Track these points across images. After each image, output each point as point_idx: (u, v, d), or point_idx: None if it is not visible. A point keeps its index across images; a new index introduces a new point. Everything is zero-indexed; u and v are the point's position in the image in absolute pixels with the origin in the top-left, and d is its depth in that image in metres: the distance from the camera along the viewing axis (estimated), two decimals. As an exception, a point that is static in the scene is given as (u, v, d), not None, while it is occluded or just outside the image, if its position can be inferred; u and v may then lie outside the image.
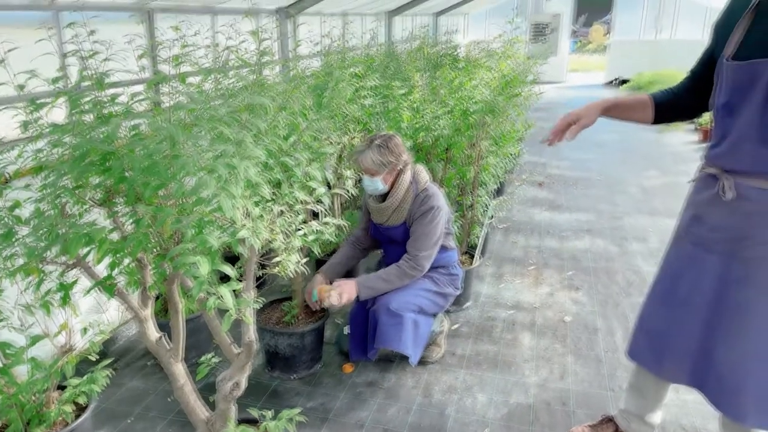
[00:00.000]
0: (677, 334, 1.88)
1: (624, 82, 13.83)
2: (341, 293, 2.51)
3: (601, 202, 5.42)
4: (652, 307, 1.99)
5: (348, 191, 2.83)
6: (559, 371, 2.84)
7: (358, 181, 3.49)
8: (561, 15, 14.09)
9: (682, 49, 12.24)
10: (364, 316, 2.72)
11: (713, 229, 1.76)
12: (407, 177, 2.66)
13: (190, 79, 2.16)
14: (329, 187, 2.68)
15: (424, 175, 2.76)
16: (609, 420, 2.32)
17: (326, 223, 1.95)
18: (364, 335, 2.78)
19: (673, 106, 1.94)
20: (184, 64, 2.08)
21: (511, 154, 4.54)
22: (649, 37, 14.11)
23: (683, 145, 7.82)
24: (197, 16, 4.03)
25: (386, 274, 2.62)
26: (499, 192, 5.08)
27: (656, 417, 2.20)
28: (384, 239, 2.85)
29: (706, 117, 2.28)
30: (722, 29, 1.70)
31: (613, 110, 1.95)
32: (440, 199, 2.68)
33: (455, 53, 5.43)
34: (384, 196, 2.70)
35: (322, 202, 1.94)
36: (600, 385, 2.73)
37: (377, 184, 2.61)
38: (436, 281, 2.75)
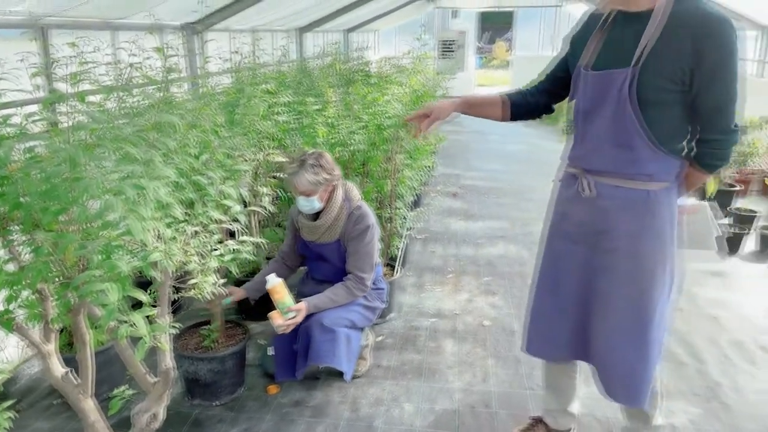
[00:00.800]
0: (562, 320, 2.04)
1: (527, 95, 14.59)
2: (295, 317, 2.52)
3: (512, 210, 5.68)
4: (537, 301, 2.13)
5: (265, 208, 2.79)
6: (482, 374, 2.93)
7: (276, 198, 3.45)
8: (466, 32, 14.70)
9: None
10: (290, 335, 2.69)
11: (578, 224, 1.93)
12: (340, 194, 2.66)
13: (91, 98, 2.05)
14: (245, 205, 2.63)
15: (356, 192, 2.77)
16: (539, 421, 2.42)
17: (243, 242, 1.91)
18: (290, 354, 2.73)
19: (525, 107, 2.11)
20: (84, 82, 1.98)
21: (426, 167, 4.66)
22: (547, 53, 15.05)
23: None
24: (96, 32, 3.84)
25: (335, 295, 2.64)
26: (416, 204, 5.19)
27: (575, 406, 2.35)
28: (313, 256, 2.82)
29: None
30: (579, 41, 1.88)
31: (466, 107, 2.11)
32: (373, 216, 2.72)
33: (367, 69, 5.51)
34: (317, 214, 2.68)
35: (238, 221, 1.90)
36: (520, 384, 2.84)
37: (314, 204, 2.59)
38: (366, 296, 2.78)
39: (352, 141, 3.28)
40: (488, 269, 4.28)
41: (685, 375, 2.93)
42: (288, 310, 2.51)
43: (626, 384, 1.94)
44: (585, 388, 2.54)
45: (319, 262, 2.81)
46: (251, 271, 3.39)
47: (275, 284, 2.53)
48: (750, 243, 4.68)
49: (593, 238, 1.89)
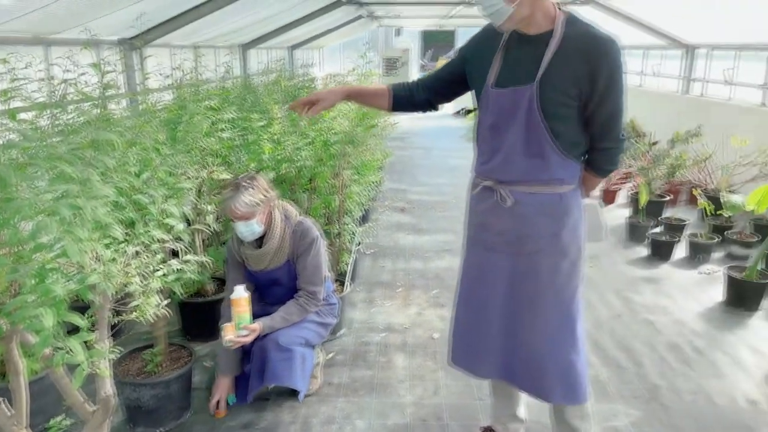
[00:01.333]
0: (485, 333, 2.10)
1: (469, 111, 14.97)
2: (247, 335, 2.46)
3: (457, 223, 5.78)
4: (460, 313, 2.19)
5: (209, 226, 2.74)
6: (433, 387, 2.95)
7: (220, 216, 3.38)
8: (410, 50, 14.98)
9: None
10: (242, 356, 2.64)
11: (499, 233, 2.01)
12: (278, 215, 2.63)
13: (23, 115, 1.96)
14: (189, 223, 2.57)
15: (292, 208, 2.75)
16: (489, 430, 2.46)
17: (187, 261, 1.87)
18: (240, 376, 2.67)
19: (408, 100, 2.21)
20: (15, 98, 1.89)
21: (374, 182, 4.69)
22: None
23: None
24: (27, 47, 3.68)
25: (288, 314, 2.60)
26: (364, 219, 5.20)
27: (522, 411, 2.40)
28: (265, 283, 2.75)
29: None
30: (475, 56, 2.00)
31: (354, 96, 2.21)
32: (316, 229, 2.71)
33: (313, 86, 5.52)
34: (259, 241, 2.63)
35: (181, 240, 1.85)
36: (470, 395, 2.87)
37: (254, 227, 2.53)
38: (318, 312, 2.75)
39: (299, 157, 3.27)
40: (436, 282, 4.33)
41: (625, 379, 3.04)
42: (243, 328, 2.46)
43: (568, 381, 2.02)
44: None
45: (272, 287, 2.76)
46: (196, 292, 3.30)
47: (241, 297, 2.48)
48: (680, 250, 4.94)
49: (516, 244, 1.99)
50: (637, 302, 4.00)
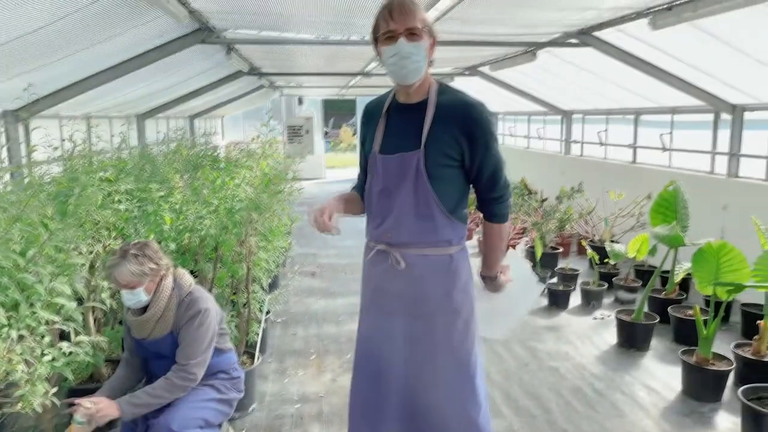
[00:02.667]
0: (384, 401, 2.08)
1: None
2: (97, 412, 2.14)
3: (368, 285, 5.80)
4: (358, 383, 2.16)
5: (104, 304, 2.56)
6: (351, 456, 2.86)
7: (118, 292, 3.18)
8: (312, 118, 15.31)
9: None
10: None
11: (396, 296, 2.04)
12: (168, 283, 2.49)
13: None
14: (81, 302, 2.39)
15: (188, 278, 2.62)
16: None
17: (79, 343, 1.73)
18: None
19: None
20: None
21: (282, 248, 4.64)
22: (390, 136, 16.12)
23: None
24: None
25: (152, 388, 2.35)
26: (273, 286, 5.10)
27: None
28: (150, 355, 2.56)
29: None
30: (368, 132, 2.11)
31: (344, 203, 2.13)
32: (208, 300, 2.54)
33: (215, 154, 5.46)
34: (144, 308, 2.49)
35: (73, 320, 1.72)
36: (389, 460, 2.81)
37: (140, 296, 2.39)
38: (218, 388, 2.57)
39: (202, 226, 3.19)
40: (350, 346, 4.28)
41: (536, 427, 3.13)
42: (80, 406, 2.11)
43: None
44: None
45: (159, 361, 2.55)
46: (89, 377, 3.04)
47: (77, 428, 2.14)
48: (575, 298, 5.27)
49: (411, 307, 2.02)
50: (542, 350, 4.18)
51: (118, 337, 3.23)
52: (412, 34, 1.81)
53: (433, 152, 1.91)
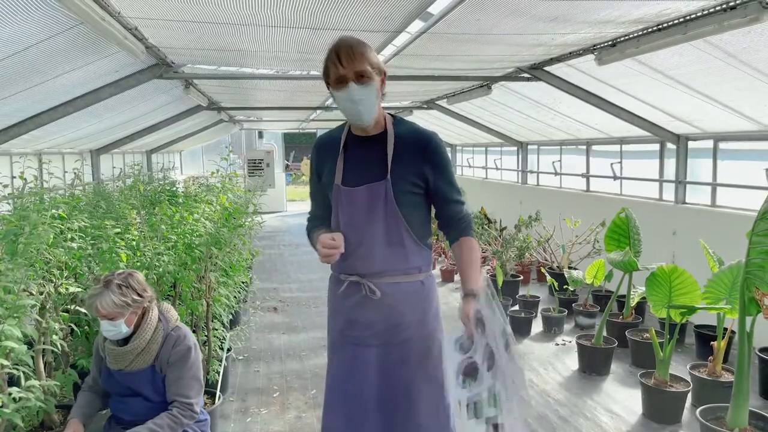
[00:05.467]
0: None
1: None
2: None
3: (332, 318, 5.74)
4: (329, 419, 2.12)
5: (56, 346, 2.46)
6: (317, 495, 2.78)
7: (70, 333, 3.06)
8: (273, 151, 15.28)
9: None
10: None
11: (368, 326, 2.04)
12: (155, 315, 2.43)
13: None
14: (31, 345, 2.29)
15: (174, 312, 2.56)
16: None
17: (30, 388, 1.65)
18: None
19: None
20: None
21: (243, 283, 4.57)
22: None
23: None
24: None
25: (158, 426, 2.29)
26: (234, 322, 4.98)
27: None
28: (120, 390, 2.44)
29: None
30: (322, 165, 2.10)
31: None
32: (193, 337, 2.52)
33: (173, 189, 5.38)
34: (126, 338, 2.41)
35: (23, 364, 1.65)
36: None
37: (121, 328, 2.31)
38: (185, 430, 2.50)
39: (160, 262, 3.11)
40: (315, 381, 4.21)
41: (504, 456, 3.12)
42: None
43: None
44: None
45: (127, 399, 2.45)
46: (40, 423, 2.88)
47: None
48: (537, 325, 5.34)
49: (385, 335, 2.03)
50: (506, 379, 4.20)
51: (70, 382, 3.09)
52: (361, 77, 1.86)
53: (399, 181, 1.96)
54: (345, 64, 1.85)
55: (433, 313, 2.08)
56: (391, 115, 2.07)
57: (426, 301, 2.07)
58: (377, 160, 1.99)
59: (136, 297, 2.33)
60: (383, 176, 1.97)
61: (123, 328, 2.33)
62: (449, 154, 2.20)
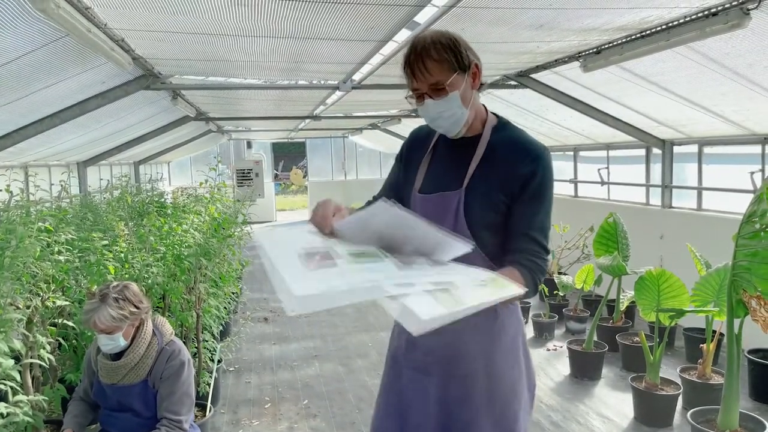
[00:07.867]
0: None
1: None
2: None
3: (323, 327, 5.73)
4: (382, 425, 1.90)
5: (44, 361, 2.43)
6: (310, 507, 2.76)
7: (58, 347, 3.03)
8: (262, 161, 15.25)
9: (364, 186, 14.48)
10: None
11: (427, 353, 1.78)
12: (149, 328, 2.40)
13: None
14: (18, 359, 2.26)
15: (168, 326, 2.53)
16: None
17: (18, 403, 1.63)
18: None
19: None
20: None
21: (233, 294, 4.54)
22: (340, 178, 16.28)
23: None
24: None
25: None
26: (224, 333, 4.95)
27: None
28: (110, 405, 2.42)
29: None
30: (407, 161, 1.90)
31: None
32: (187, 352, 2.50)
33: (162, 200, 5.35)
34: (119, 353, 2.37)
35: (11, 378, 1.62)
36: (350, 508, 2.73)
37: (118, 341, 2.29)
38: None
39: (149, 274, 3.09)
40: (306, 391, 4.18)
41: (497, 462, 3.12)
42: None
43: None
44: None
45: (117, 414, 2.42)
46: (26, 441, 2.83)
47: None
48: (528, 331, 5.36)
49: (447, 366, 1.77)
50: (499, 385, 4.20)
51: (59, 397, 3.05)
52: (438, 90, 1.59)
53: (478, 196, 1.66)
54: (418, 77, 1.59)
55: (505, 347, 1.77)
56: (498, 117, 1.76)
57: (497, 333, 1.76)
58: (461, 167, 1.70)
59: (133, 309, 2.31)
60: (459, 186, 1.68)
61: (121, 341, 2.31)
62: (552, 180, 1.72)
